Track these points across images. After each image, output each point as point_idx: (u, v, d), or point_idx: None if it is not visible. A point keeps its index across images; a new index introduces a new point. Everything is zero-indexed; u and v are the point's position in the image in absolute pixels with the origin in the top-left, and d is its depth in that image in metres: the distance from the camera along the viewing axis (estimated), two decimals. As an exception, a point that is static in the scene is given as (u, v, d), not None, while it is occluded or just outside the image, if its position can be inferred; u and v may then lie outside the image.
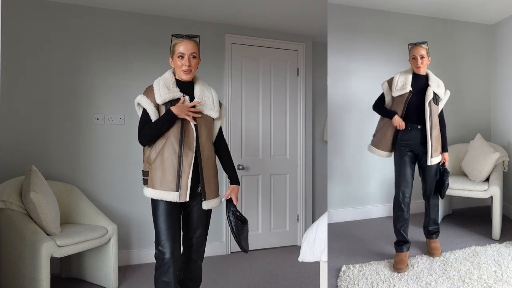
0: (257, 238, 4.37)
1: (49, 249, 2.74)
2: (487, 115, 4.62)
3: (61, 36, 3.60)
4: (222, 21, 4.14)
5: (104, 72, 3.74)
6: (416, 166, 3.02)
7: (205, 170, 2.34)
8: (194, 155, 2.28)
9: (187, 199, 2.26)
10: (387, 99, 3.00)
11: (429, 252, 3.10)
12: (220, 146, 2.52)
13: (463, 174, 3.91)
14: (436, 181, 3.01)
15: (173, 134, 2.27)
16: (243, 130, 4.31)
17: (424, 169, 2.96)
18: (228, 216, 2.41)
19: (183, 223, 2.43)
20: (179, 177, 2.25)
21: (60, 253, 2.83)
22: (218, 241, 4.18)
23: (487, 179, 3.64)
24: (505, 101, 4.33)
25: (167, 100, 2.27)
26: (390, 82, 2.97)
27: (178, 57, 2.33)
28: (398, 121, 2.87)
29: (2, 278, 2.90)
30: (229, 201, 2.45)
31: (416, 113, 2.86)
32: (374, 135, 3.05)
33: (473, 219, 4.07)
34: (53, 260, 2.92)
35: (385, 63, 4.17)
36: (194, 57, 2.34)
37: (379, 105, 3.04)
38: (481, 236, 3.52)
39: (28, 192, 2.87)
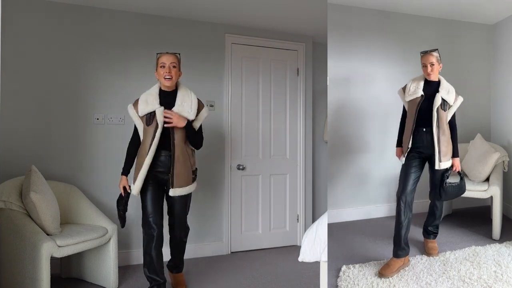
0: (257, 238, 4.37)
1: (49, 249, 2.73)
2: (487, 115, 4.62)
3: (61, 36, 3.60)
4: (222, 21, 4.14)
5: (104, 72, 3.74)
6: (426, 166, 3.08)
7: (176, 167, 2.82)
8: (150, 156, 2.79)
9: (136, 194, 2.87)
10: (405, 105, 3.09)
11: (426, 251, 3.12)
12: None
13: (463, 174, 3.91)
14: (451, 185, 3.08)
15: (146, 138, 2.82)
16: (243, 130, 4.31)
17: (433, 170, 3.02)
18: None
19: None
20: (137, 174, 2.84)
21: (60, 253, 2.82)
22: (218, 241, 4.18)
23: (487, 179, 3.65)
24: (505, 101, 4.34)
25: (145, 112, 2.80)
26: (404, 88, 3.08)
27: (160, 67, 2.81)
28: (397, 154, 3.17)
29: (2, 278, 2.90)
30: None
31: (426, 118, 2.93)
32: (401, 141, 3.10)
33: (473, 219, 4.07)
34: (53, 260, 2.92)
35: (385, 63, 4.17)
36: (174, 66, 2.81)
37: (402, 120, 3.17)
38: (481, 236, 3.52)
39: (28, 192, 2.87)
